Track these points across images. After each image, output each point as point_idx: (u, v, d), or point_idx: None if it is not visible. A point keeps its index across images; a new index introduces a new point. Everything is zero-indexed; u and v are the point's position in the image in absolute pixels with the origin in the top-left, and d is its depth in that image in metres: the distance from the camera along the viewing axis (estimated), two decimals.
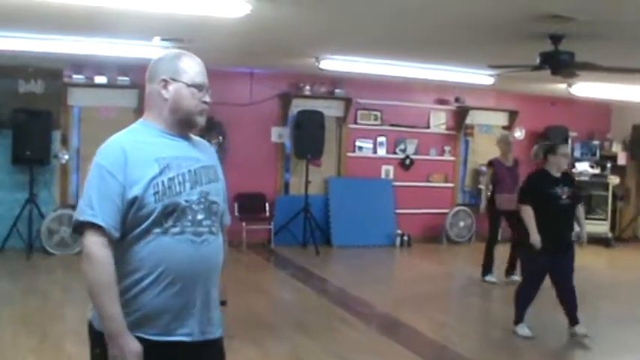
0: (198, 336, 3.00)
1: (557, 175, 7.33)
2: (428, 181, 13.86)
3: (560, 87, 12.04)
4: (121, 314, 2.76)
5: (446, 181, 14.09)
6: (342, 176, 13.22)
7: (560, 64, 7.09)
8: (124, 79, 11.32)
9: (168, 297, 2.86)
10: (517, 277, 9.92)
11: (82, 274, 2.77)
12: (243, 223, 11.53)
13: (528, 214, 7.27)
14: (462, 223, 13.76)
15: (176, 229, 2.86)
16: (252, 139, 12.31)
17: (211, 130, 10.78)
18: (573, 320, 7.44)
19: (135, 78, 11.11)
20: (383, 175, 13.52)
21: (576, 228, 7.56)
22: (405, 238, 13.08)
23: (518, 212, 9.80)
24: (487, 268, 10.29)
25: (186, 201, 2.89)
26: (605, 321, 8.22)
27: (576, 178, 13.46)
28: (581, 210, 7.64)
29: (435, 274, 11.09)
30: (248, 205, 11.91)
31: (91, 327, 2.92)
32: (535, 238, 7.15)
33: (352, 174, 13.25)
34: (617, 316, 8.58)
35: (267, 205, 12.42)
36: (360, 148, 13.36)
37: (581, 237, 7.66)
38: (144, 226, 2.82)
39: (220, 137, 11.44)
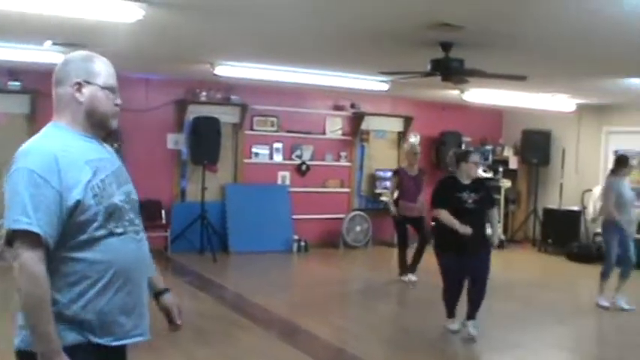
0: (147, 335, 2.99)
1: (467, 182, 7.60)
2: (324, 186, 13.95)
3: (453, 93, 12.27)
4: (56, 333, 2.65)
5: (342, 186, 14.20)
6: (238, 182, 13.19)
7: (449, 70, 7.26)
8: (14, 84, 10.98)
9: (122, 298, 2.81)
10: (414, 278, 10.25)
11: (17, 289, 2.61)
12: None
13: (445, 216, 7.49)
14: (358, 228, 13.89)
15: (119, 230, 2.82)
16: (148, 146, 12.18)
17: (108, 136, 10.60)
18: (470, 316, 7.74)
19: (27, 83, 10.80)
20: (279, 181, 13.54)
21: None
22: (302, 243, 13.14)
23: (420, 218, 10.17)
24: (402, 268, 10.62)
25: (120, 201, 2.86)
26: (498, 320, 8.42)
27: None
28: (494, 214, 8.00)
29: (333, 279, 11.17)
30: (144, 212, 11.61)
31: (21, 353, 2.75)
32: (463, 229, 7.34)
33: (249, 180, 13.24)
34: (510, 315, 8.83)
35: (163, 212, 12.31)
36: (257, 154, 13.36)
37: (491, 239, 8.01)
38: (89, 230, 2.73)
39: (116, 143, 11.26)
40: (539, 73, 9.15)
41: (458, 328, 7.83)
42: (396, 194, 10.68)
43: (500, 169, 15.10)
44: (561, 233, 14.11)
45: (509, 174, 15.29)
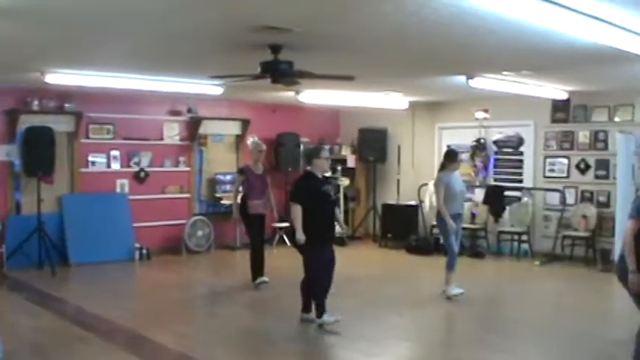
0: None
1: (320, 176, 8.04)
2: (164, 192, 13.79)
3: (288, 95, 12.40)
4: None
5: (182, 191, 14.07)
6: (76, 192, 12.87)
7: (279, 72, 7.37)
8: None
9: None
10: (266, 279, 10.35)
11: None
12: None
13: (297, 212, 7.77)
14: (200, 233, 13.82)
15: None
16: None
17: None
18: (323, 310, 8.08)
19: None
20: (118, 189, 13.31)
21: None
22: (144, 251, 12.99)
23: (264, 216, 10.30)
24: (256, 271, 10.53)
25: None
26: (342, 314, 8.56)
27: None
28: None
29: (176, 285, 11.07)
30: None
31: None
32: (300, 236, 7.71)
33: (86, 190, 12.93)
34: (353, 310, 9.01)
35: None
36: (94, 162, 13.07)
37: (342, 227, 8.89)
38: None
39: None
40: (367, 72, 9.40)
41: (334, 319, 8.08)
42: (239, 195, 10.70)
43: (339, 167, 15.38)
44: (400, 227, 14.55)
45: (348, 172, 15.62)
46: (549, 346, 7.64)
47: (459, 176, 10.02)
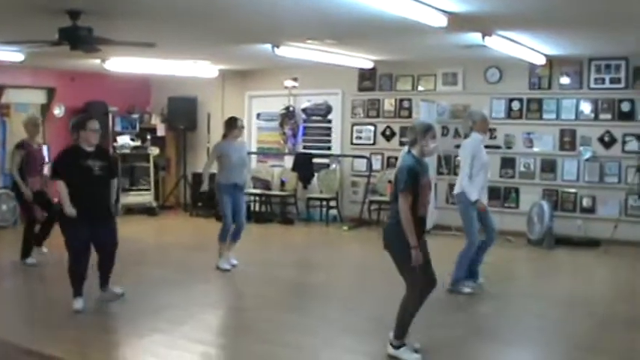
0: None
1: (90, 149, 7.51)
2: None
3: (95, 62, 12.12)
4: None
5: None
6: None
7: (77, 39, 7.19)
8: None
9: None
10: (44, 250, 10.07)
11: None
12: None
13: (61, 187, 7.39)
14: (4, 207, 13.31)
15: None
16: None
17: None
18: (104, 284, 7.85)
19: None
20: None
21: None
22: None
23: (44, 192, 9.84)
24: (29, 250, 10.15)
25: None
26: (149, 285, 8.51)
27: (119, 152, 14.02)
28: (114, 184, 7.94)
29: None
30: None
31: None
32: (70, 210, 7.33)
33: None
34: (162, 279, 8.99)
35: None
36: None
37: (112, 209, 8.00)
38: None
39: None
40: (173, 40, 9.35)
41: (83, 307, 7.61)
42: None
43: (149, 136, 15.21)
44: (210, 196, 14.48)
45: (158, 141, 15.46)
46: (356, 308, 7.87)
47: (242, 145, 9.99)
